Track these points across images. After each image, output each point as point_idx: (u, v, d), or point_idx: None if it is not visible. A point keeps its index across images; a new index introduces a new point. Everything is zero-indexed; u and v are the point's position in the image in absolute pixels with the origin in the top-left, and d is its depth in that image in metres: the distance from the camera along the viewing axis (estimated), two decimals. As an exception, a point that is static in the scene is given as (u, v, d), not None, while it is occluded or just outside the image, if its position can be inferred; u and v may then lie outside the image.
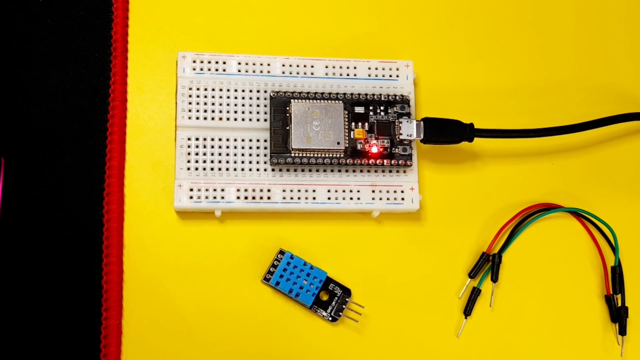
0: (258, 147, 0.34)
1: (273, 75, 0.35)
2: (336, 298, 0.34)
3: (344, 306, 0.34)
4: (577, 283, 0.37)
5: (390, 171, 0.35)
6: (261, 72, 0.35)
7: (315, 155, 0.34)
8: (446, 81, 0.38)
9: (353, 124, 0.35)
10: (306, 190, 0.34)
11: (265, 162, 0.34)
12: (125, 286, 0.33)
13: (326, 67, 0.36)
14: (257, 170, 0.34)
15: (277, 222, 0.35)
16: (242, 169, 0.34)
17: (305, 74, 0.36)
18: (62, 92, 0.35)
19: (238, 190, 0.34)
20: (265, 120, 0.35)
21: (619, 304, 0.37)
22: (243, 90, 0.35)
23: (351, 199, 0.35)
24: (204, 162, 0.34)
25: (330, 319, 0.34)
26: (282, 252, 0.34)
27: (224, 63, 0.35)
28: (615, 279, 0.37)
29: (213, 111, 0.35)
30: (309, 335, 0.34)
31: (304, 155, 0.34)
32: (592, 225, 0.38)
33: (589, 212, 0.37)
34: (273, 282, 0.34)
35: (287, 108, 0.34)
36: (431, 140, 0.35)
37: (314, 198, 0.34)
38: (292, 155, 0.34)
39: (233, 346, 0.34)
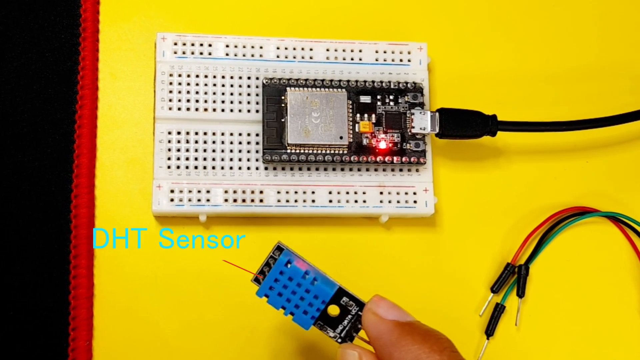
0: (249, 143, 0.33)
1: (266, 60, 0.34)
2: (350, 317, 0.29)
3: (359, 326, 0.29)
4: (615, 298, 0.36)
5: (400, 170, 0.34)
6: (252, 56, 0.34)
7: (315, 151, 0.33)
8: (465, 66, 0.37)
9: (358, 115, 0.34)
10: (304, 192, 0.33)
11: (257, 160, 0.33)
12: (96, 302, 0.32)
13: (327, 50, 0.35)
14: (248, 168, 0.33)
15: (271, 229, 0.34)
16: (231, 168, 0.33)
17: (303, 58, 0.35)
18: (23, 78, 0.34)
19: (226, 191, 0.33)
20: (257, 111, 0.34)
21: (664, 322, 0.35)
22: (232, 77, 0.34)
23: (356, 201, 0.34)
24: (187, 159, 0.33)
25: (340, 340, 0.29)
26: (279, 249, 0.28)
27: (210, 46, 0.34)
28: (660, 293, 0.35)
29: (197, 101, 0.33)
30: (310, 358, 0.33)
31: (302, 151, 0.33)
32: (633, 231, 0.36)
33: (629, 216, 0.36)
34: (260, 294, 0.28)
35: (282, 97, 0.33)
36: (448, 134, 0.34)
37: (313, 201, 0.33)
38: (288, 151, 0.33)
39: (219, 372, 0.32)
